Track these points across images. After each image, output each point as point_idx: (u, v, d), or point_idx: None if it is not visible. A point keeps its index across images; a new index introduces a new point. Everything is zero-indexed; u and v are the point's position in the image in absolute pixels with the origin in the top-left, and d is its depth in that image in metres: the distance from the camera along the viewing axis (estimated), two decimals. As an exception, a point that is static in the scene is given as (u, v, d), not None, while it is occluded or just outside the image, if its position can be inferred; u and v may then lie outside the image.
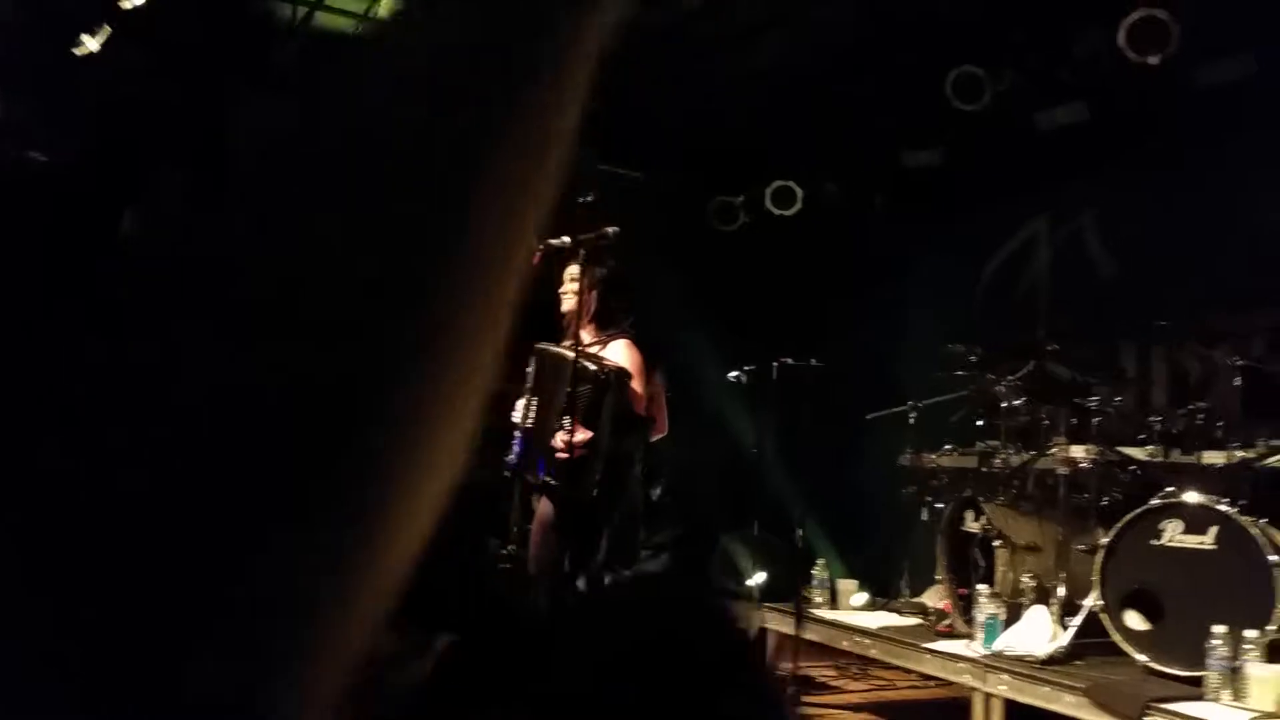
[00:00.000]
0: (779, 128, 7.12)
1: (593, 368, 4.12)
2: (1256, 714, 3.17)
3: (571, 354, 4.23)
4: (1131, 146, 5.84)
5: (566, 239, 3.92)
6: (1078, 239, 6.16)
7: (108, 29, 4.49)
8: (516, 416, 4.36)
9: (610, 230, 3.89)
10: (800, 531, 5.18)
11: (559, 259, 4.11)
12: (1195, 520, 3.75)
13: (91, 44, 4.49)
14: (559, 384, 4.25)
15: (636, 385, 4.33)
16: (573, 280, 4.23)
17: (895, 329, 6.60)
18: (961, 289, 6.70)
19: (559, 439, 4.12)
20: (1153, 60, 5.23)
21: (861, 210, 7.25)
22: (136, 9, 4.47)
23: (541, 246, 3.91)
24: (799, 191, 7.44)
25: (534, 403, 4.42)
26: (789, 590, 5.41)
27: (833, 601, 5.22)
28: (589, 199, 8.06)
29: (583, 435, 4.08)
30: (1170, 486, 3.99)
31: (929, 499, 5.11)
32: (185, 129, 6.22)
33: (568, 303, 4.37)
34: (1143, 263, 5.68)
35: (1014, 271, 6.52)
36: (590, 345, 4.39)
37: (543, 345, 4.44)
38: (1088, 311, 5.72)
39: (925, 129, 6.66)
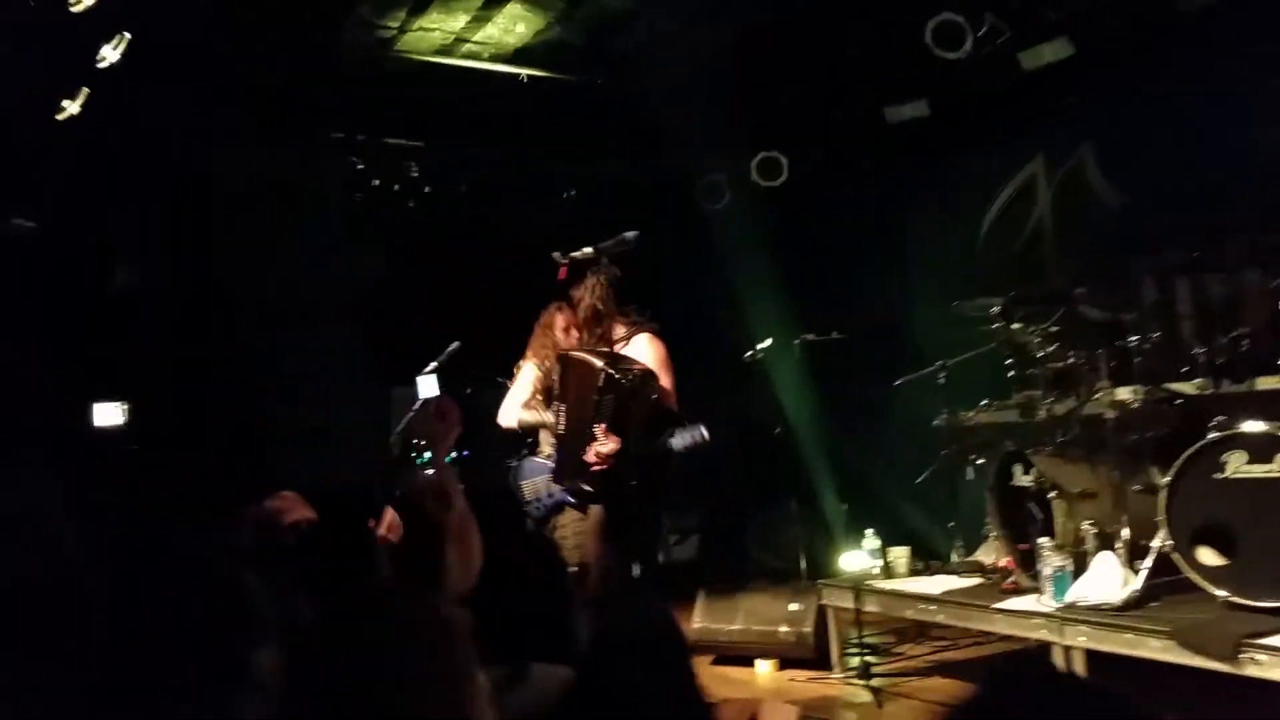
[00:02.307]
0: (756, 97, 7.01)
1: (617, 376, 4.07)
2: (1359, 638, 3.14)
3: (598, 360, 4.17)
4: (1121, 75, 5.78)
5: (589, 250, 3.83)
6: (1078, 175, 6.10)
7: (86, 90, 4.35)
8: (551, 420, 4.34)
9: (629, 235, 3.79)
10: (845, 505, 5.11)
11: (583, 268, 4.01)
12: (1260, 448, 3.70)
13: (73, 108, 4.35)
14: (587, 391, 4.20)
15: (664, 380, 4.27)
16: (594, 285, 4.15)
17: (903, 290, 6.52)
18: (964, 241, 6.63)
19: (591, 452, 4.09)
20: (1139, -14, 5.18)
21: (850, 173, 7.16)
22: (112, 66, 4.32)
23: (566, 260, 3.83)
24: (784, 161, 7.35)
25: (562, 410, 4.37)
26: (830, 562, 5.39)
27: (886, 570, 5.16)
28: (571, 194, 7.97)
29: (613, 444, 4.03)
30: (1220, 417, 3.95)
31: (971, 456, 5.05)
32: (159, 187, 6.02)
33: (586, 308, 4.30)
34: (1147, 192, 5.64)
35: (1016, 216, 6.46)
36: (616, 343, 4.33)
37: (568, 352, 4.36)
38: (1098, 248, 5.68)
39: (907, 82, 6.58)
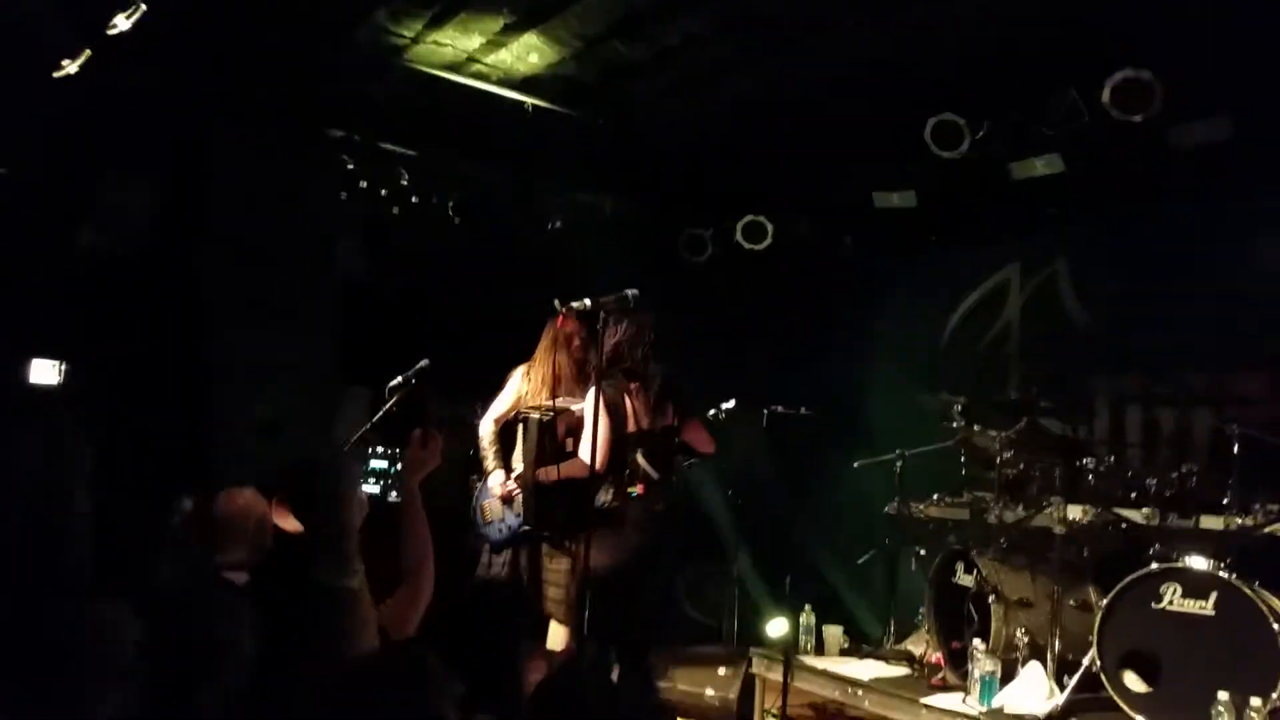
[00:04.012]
0: (752, 162, 7.13)
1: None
2: (1269, 785, 3.25)
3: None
4: (1104, 198, 5.96)
5: (587, 301, 3.83)
6: (1051, 287, 6.26)
7: (88, 52, 4.29)
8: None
9: (630, 293, 3.79)
10: (789, 578, 5.17)
11: (581, 318, 4.03)
12: (1195, 585, 3.84)
13: (71, 67, 4.29)
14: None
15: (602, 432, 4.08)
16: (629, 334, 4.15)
17: (869, 373, 6.62)
18: (930, 333, 6.76)
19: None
20: (1136, 119, 5.35)
21: (831, 248, 7.27)
22: (122, 34, 4.27)
23: (564, 309, 3.84)
24: (769, 226, 7.45)
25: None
26: (760, 630, 5.41)
27: (819, 648, 5.22)
28: (556, 224, 8.01)
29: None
30: (1161, 546, 4.10)
31: (915, 547, 5.14)
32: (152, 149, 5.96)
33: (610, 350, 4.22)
34: (1112, 315, 5.80)
35: (983, 317, 6.60)
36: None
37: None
38: (1061, 362, 5.82)
39: (899, 171, 6.72)
